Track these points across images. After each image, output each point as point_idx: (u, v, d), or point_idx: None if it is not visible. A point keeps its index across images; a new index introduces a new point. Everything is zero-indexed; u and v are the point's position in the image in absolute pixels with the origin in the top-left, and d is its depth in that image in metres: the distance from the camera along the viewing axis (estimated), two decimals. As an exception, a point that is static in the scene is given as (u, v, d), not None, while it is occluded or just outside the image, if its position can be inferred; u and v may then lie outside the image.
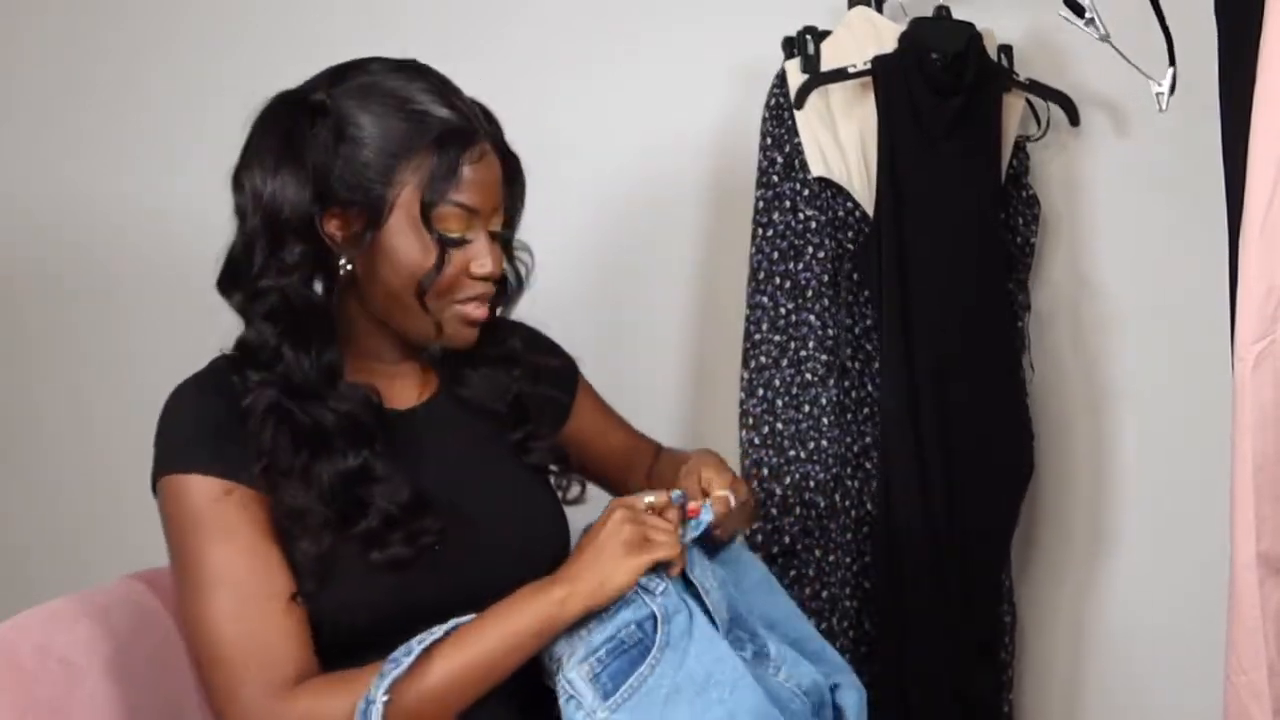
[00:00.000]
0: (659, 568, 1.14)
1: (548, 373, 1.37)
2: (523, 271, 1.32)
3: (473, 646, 1.10)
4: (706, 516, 1.18)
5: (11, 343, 2.28)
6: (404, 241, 1.16)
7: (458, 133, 1.16)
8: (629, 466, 1.48)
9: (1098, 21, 1.70)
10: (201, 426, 1.14)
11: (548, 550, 1.25)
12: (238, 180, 1.17)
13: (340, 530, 1.12)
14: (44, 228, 2.24)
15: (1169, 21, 1.63)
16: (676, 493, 1.19)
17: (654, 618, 1.12)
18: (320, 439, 1.14)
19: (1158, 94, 1.63)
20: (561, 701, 1.10)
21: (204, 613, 1.10)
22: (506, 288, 1.29)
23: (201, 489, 1.11)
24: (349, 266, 1.18)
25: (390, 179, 1.14)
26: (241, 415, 1.14)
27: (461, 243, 1.17)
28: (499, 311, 1.30)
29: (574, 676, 1.10)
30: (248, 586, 1.10)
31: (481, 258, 1.19)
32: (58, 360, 2.26)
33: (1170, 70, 1.61)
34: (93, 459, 2.22)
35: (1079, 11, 1.72)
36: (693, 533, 1.17)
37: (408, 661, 1.08)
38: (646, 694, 1.08)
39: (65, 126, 2.22)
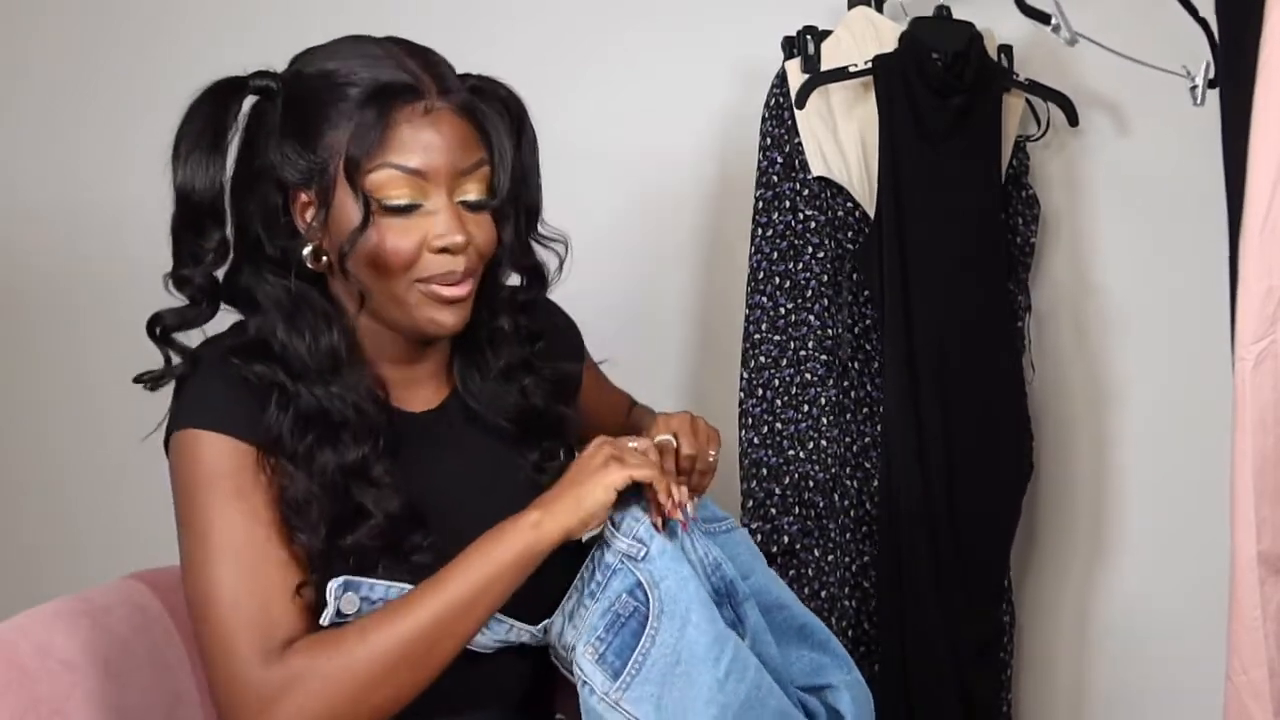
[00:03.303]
0: (634, 523, 1.11)
1: (564, 380, 1.29)
2: (552, 263, 1.25)
3: (454, 581, 1.07)
4: None
5: (14, 342, 2.28)
6: (346, 214, 1.09)
7: (388, 89, 1.09)
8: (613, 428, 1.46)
9: (1064, 28, 1.70)
10: (220, 384, 1.11)
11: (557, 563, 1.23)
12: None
13: (336, 533, 1.11)
14: (48, 227, 2.25)
15: (1170, 22, 1.63)
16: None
17: (641, 585, 1.10)
18: (324, 424, 1.11)
19: (1192, 88, 1.63)
20: (578, 687, 1.09)
21: (206, 572, 1.07)
22: (499, 264, 1.20)
23: (216, 446, 1.09)
24: (322, 257, 1.13)
25: (328, 150, 1.09)
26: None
27: (407, 209, 1.09)
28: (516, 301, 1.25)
29: (582, 662, 1.09)
30: (253, 549, 1.08)
31: (440, 228, 1.10)
32: (59, 360, 2.26)
33: (1205, 63, 1.61)
34: (94, 460, 2.23)
35: (1044, 20, 1.73)
36: None
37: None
38: (652, 665, 1.07)
39: (67, 129, 2.22)
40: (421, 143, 1.09)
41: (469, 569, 1.08)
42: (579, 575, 1.14)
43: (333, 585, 1.07)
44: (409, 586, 1.10)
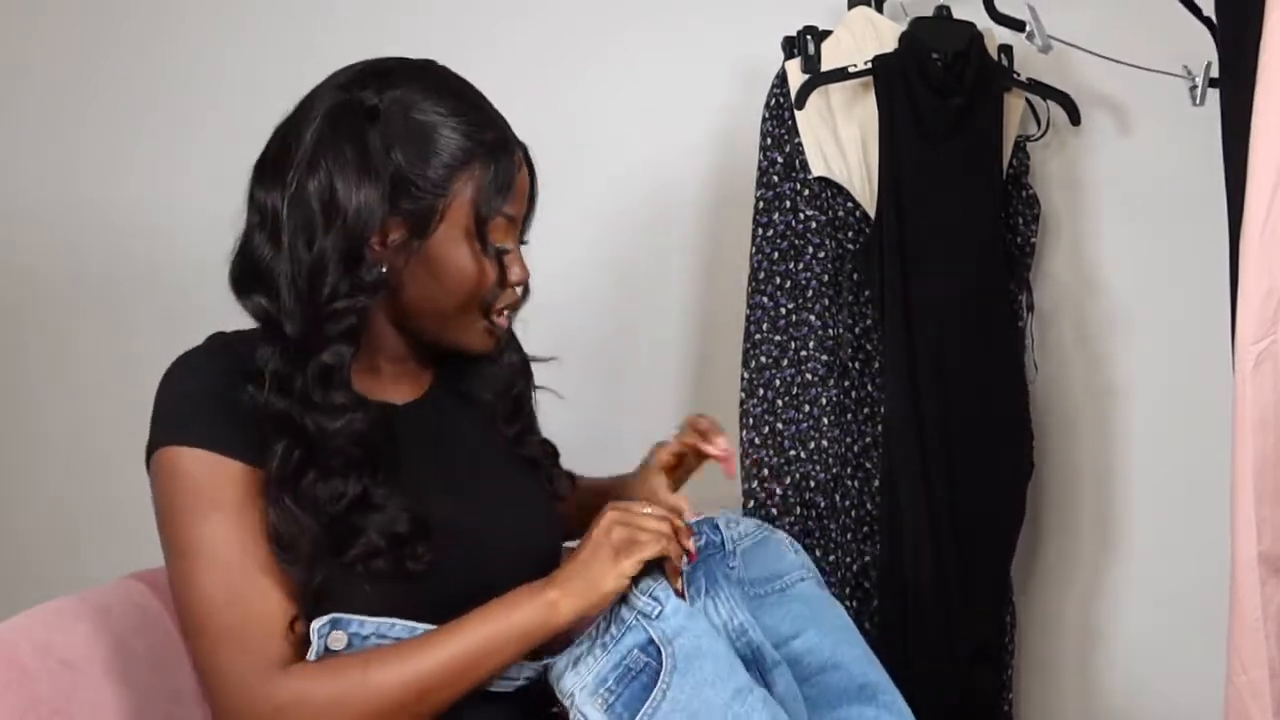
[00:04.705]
0: (652, 581, 1.13)
1: (525, 368, 1.38)
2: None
3: (464, 638, 1.09)
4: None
5: (12, 345, 2.28)
6: (453, 252, 1.15)
7: (505, 143, 1.17)
8: None
9: (1038, 35, 1.72)
10: (199, 400, 1.12)
11: (544, 546, 1.26)
12: (289, 181, 1.12)
13: (332, 556, 1.11)
14: (44, 231, 2.25)
15: (1167, 22, 1.63)
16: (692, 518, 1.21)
17: (653, 642, 1.11)
18: (326, 457, 1.12)
19: (1192, 88, 1.63)
20: None
21: (194, 590, 1.09)
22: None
23: (198, 462, 1.10)
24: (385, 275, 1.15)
25: (444, 188, 1.13)
26: (246, 399, 1.12)
27: (506, 253, 1.18)
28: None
29: (589, 710, 1.09)
30: (240, 564, 1.08)
31: (516, 266, 1.20)
32: (58, 361, 2.26)
33: (1206, 63, 1.61)
34: (93, 460, 2.23)
35: (1019, 27, 1.74)
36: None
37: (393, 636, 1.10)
38: (662, 719, 1.08)
39: (67, 129, 2.22)
40: (520, 192, 1.19)
41: (480, 628, 1.10)
42: (594, 624, 1.15)
43: (317, 624, 1.08)
44: (399, 622, 1.11)
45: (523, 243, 1.25)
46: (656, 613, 1.12)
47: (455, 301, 1.17)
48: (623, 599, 1.14)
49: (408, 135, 1.13)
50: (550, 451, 1.36)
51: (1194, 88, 1.63)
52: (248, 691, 1.07)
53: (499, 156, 1.15)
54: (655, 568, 1.15)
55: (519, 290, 1.23)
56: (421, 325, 1.20)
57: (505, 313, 1.23)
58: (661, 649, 1.10)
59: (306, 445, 1.11)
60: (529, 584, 1.13)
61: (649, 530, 1.13)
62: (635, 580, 1.14)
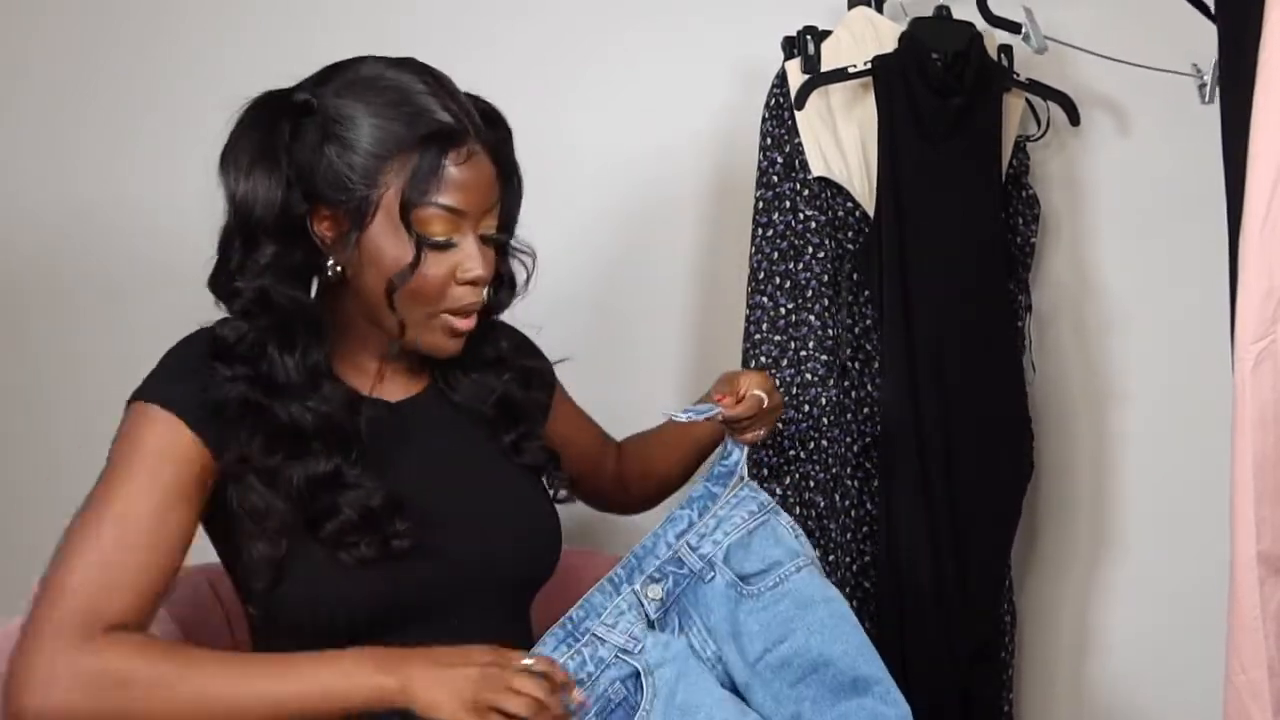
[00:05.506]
0: (628, 622, 1.15)
1: (534, 375, 1.37)
2: (523, 274, 1.30)
3: (299, 680, 1.04)
4: (736, 454, 1.33)
5: (14, 344, 2.28)
6: (387, 243, 1.14)
7: (444, 132, 1.14)
8: (596, 469, 1.50)
9: (1034, 38, 1.72)
10: (194, 373, 1.14)
11: (543, 547, 1.26)
12: (221, 181, 1.17)
13: (304, 534, 1.12)
14: (46, 229, 2.25)
15: (1173, 21, 1.63)
16: (707, 407, 1.32)
17: (638, 674, 1.12)
18: (296, 440, 1.13)
19: (1201, 86, 1.63)
20: None
21: (88, 531, 1.09)
22: (500, 291, 1.28)
23: (158, 423, 1.12)
24: (338, 268, 1.17)
25: (374, 179, 1.13)
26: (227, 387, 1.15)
27: (446, 246, 1.16)
28: (495, 314, 1.30)
29: None
30: (139, 528, 1.09)
31: (469, 262, 1.17)
32: (58, 362, 2.26)
33: (1214, 61, 1.61)
34: (93, 460, 2.22)
35: (1014, 29, 1.74)
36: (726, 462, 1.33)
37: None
38: None
39: (67, 129, 2.22)
40: (463, 184, 1.15)
41: (318, 678, 1.04)
42: (562, 666, 1.12)
43: None
44: None
45: (492, 240, 1.22)
46: (637, 649, 1.14)
47: (394, 294, 1.16)
48: (599, 639, 1.15)
49: (339, 128, 1.14)
50: (553, 456, 1.35)
51: (1203, 85, 1.62)
52: (56, 646, 1.04)
53: (429, 145, 1.13)
54: (627, 609, 1.17)
55: (481, 291, 1.19)
56: (380, 322, 1.19)
57: (462, 316, 1.20)
58: (643, 679, 1.12)
59: (267, 426, 1.13)
60: (382, 655, 1.05)
61: (519, 698, 1.02)
62: (612, 624, 1.16)
